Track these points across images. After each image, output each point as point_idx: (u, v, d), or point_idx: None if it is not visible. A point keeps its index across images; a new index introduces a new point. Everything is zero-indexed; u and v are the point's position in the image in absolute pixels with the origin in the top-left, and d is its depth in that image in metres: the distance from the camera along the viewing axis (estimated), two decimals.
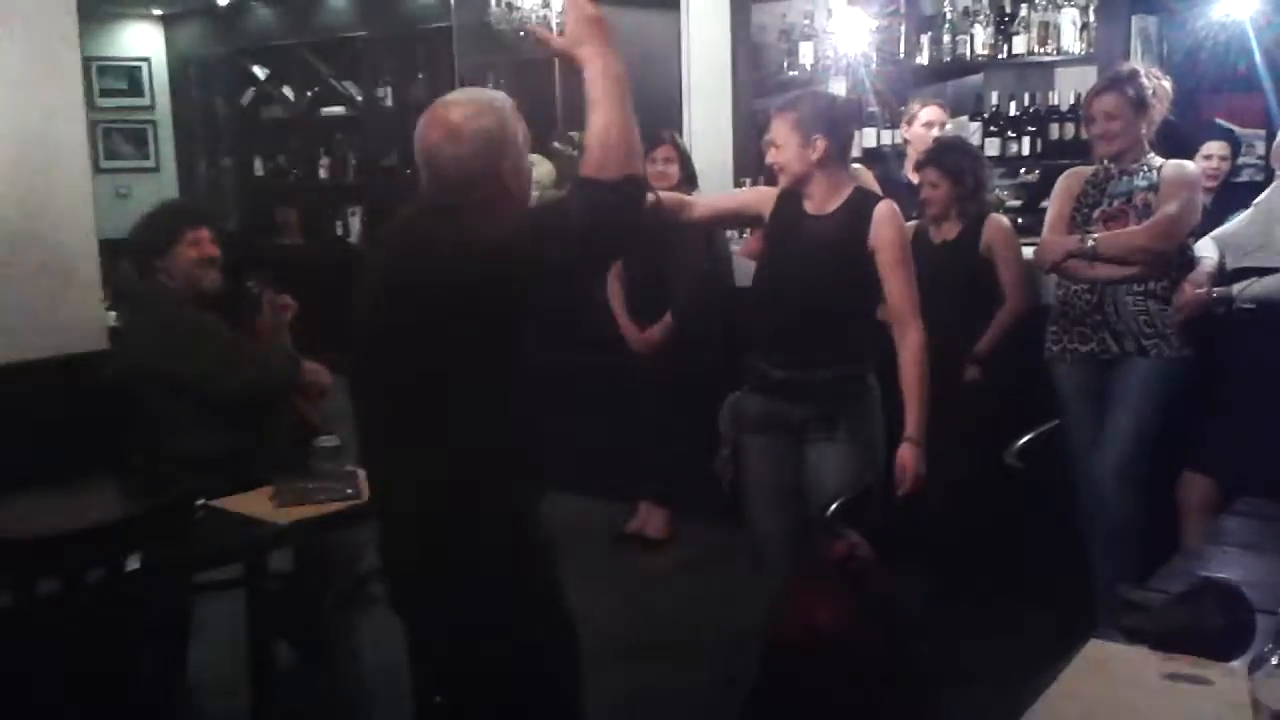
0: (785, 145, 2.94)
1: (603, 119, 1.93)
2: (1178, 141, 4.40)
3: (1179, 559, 2.36)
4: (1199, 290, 3.43)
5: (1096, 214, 3.54)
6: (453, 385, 1.98)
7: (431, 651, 2.20)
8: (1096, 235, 3.49)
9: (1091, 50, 4.97)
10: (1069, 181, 3.67)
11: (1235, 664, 1.81)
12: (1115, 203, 3.53)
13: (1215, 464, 3.42)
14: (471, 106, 2.05)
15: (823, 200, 2.99)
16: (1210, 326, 3.45)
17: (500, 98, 2.12)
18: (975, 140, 5.21)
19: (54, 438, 3.37)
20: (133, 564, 2.31)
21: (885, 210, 2.97)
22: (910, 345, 2.93)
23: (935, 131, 4.74)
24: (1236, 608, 1.91)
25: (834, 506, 1.98)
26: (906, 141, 4.89)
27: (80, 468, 3.20)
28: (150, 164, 8.95)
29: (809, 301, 2.91)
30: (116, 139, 8.75)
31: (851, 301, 2.97)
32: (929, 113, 4.79)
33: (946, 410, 3.72)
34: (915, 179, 4.22)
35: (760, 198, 3.14)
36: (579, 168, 1.97)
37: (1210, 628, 1.87)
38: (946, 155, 4.02)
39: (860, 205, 2.99)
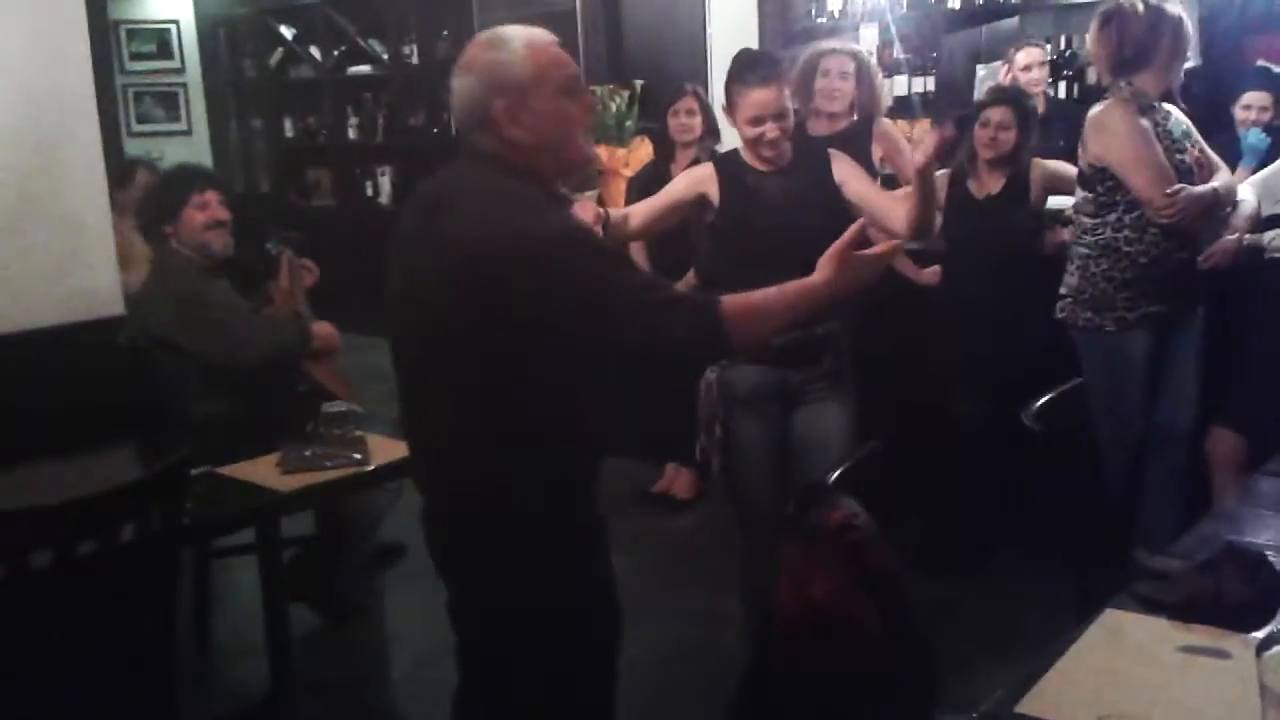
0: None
1: (779, 308, 1.97)
2: (1218, 85, 4.23)
3: (1206, 522, 2.26)
4: (1230, 236, 3.29)
5: (1190, 160, 3.26)
6: (461, 366, 1.85)
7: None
8: (1218, 185, 3.26)
9: None
10: (1141, 119, 3.22)
11: (1258, 635, 1.72)
12: (1193, 148, 3.30)
13: (1242, 418, 3.32)
14: (490, 38, 1.93)
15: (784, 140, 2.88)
16: (1233, 277, 3.33)
17: (530, 35, 1.93)
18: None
19: (68, 405, 3.36)
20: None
21: (838, 155, 2.98)
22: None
23: (1035, 74, 4.60)
24: (1260, 576, 1.82)
25: (836, 474, 1.89)
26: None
27: (97, 434, 3.19)
28: (182, 127, 8.93)
29: (803, 255, 2.80)
30: (148, 103, 8.73)
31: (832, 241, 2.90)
32: (1025, 55, 4.66)
33: (993, 365, 3.64)
34: None
35: (693, 182, 3.00)
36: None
37: (1231, 597, 1.79)
38: (1021, 97, 3.85)
39: (810, 151, 2.99)
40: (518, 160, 1.89)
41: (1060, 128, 4.42)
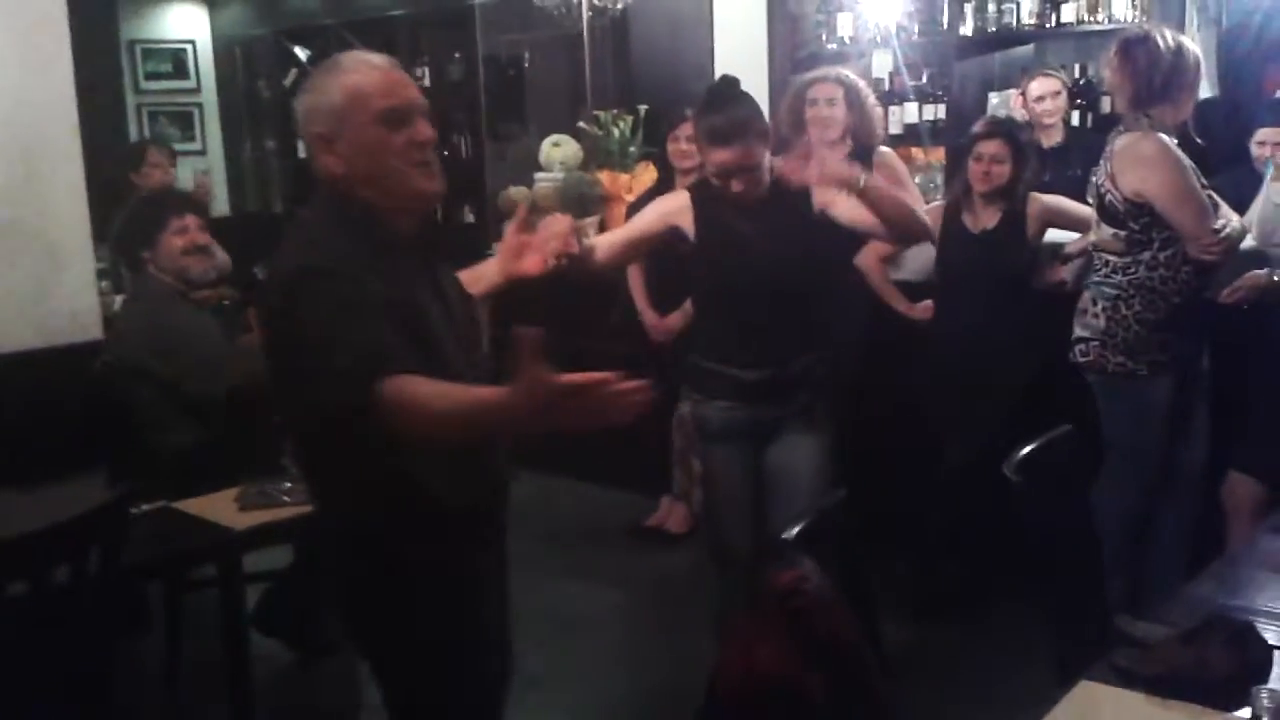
0: (763, 159, 2.70)
1: (453, 418, 1.67)
2: (1234, 117, 4.10)
3: (1199, 582, 2.12)
4: (1260, 272, 3.17)
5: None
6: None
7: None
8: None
9: (1144, 17, 4.67)
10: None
11: (1240, 715, 1.59)
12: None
13: (1259, 463, 3.18)
14: (325, 64, 1.88)
15: (752, 187, 2.76)
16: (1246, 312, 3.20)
17: (357, 61, 1.86)
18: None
19: (45, 431, 3.30)
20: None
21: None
22: None
23: (1049, 104, 4.51)
24: (1247, 648, 1.69)
25: (796, 529, 1.78)
26: (1025, 117, 4.63)
27: (68, 462, 3.12)
28: (197, 147, 8.88)
29: (777, 292, 2.73)
30: (162, 122, 8.69)
31: (814, 280, 2.81)
32: (1039, 85, 4.56)
33: (971, 409, 3.52)
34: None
35: (664, 213, 2.87)
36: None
37: (1214, 670, 1.65)
38: (1015, 129, 3.72)
39: (788, 184, 2.80)
40: (340, 191, 1.85)
41: (1079, 158, 4.27)
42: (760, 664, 1.57)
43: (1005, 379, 3.52)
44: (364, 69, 1.83)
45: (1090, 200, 3.28)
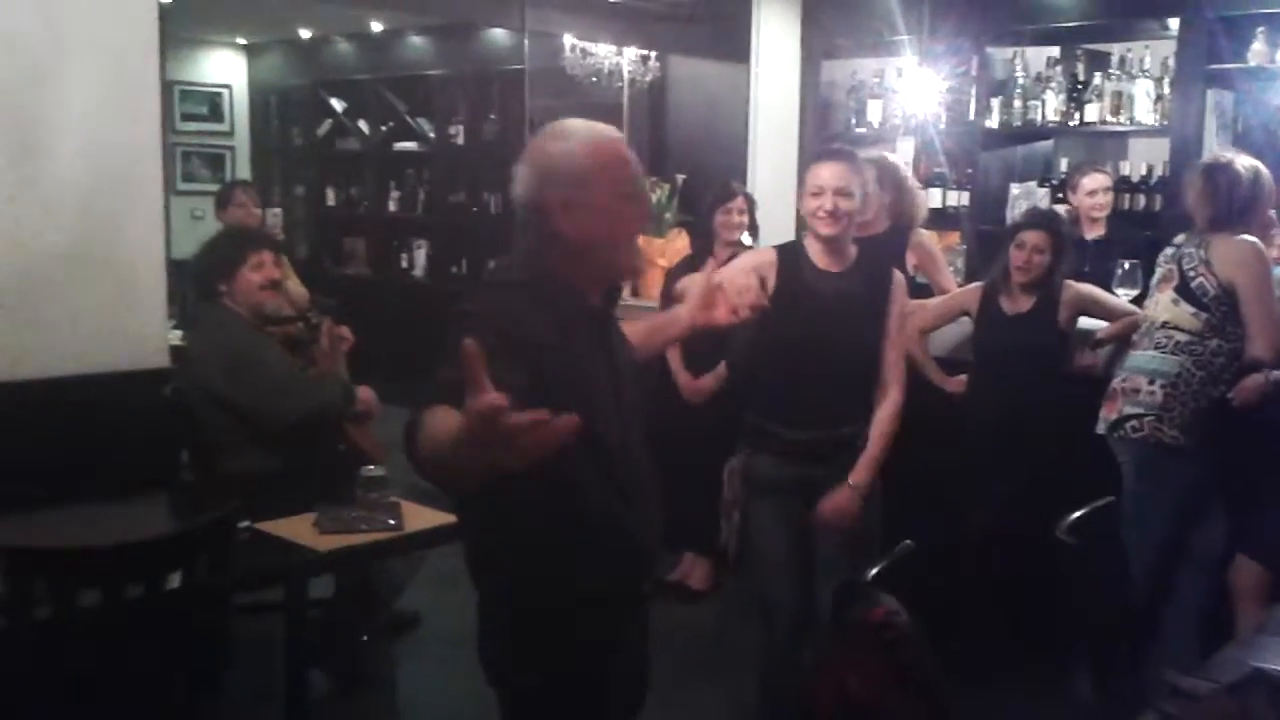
0: (857, 195, 2.88)
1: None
2: None
3: (1233, 647, 2.28)
4: (1257, 375, 3.38)
5: None
6: None
7: None
8: None
9: (1165, 122, 4.92)
10: None
11: None
12: None
13: (1266, 549, 3.35)
14: (555, 129, 1.92)
15: (837, 256, 2.95)
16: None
17: (590, 130, 1.91)
18: (1043, 206, 5.18)
19: (113, 451, 3.41)
20: (175, 582, 2.33)
21: (900, 279, 3.03)
22: (894, 402, 2.96)
23: (1100, 199, 4.70)
24: None
25: (874, 570, 1.94)
26: (1073, 208, 4.81)
27: (137, 482, 3.24)
28: None
29: (840, 358, 2.90)
30: (195, 162, 8.91)
31: (876, 353, 2.97)
32: (1091, 180, 4.73)
33: (1010, 475, 3.69)
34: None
35: (753, 266, 2.95)
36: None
37: None
38: (1058, 224, 3.91)
39: (874, 263, 3.02)
40: (559, 258, 1.88)
41: (1120, 250, 4.35)
42: (854, 693, 1.71)
43: (1029, 455, 3.69)
44: (605, 138, 1.92)
45: (1153, 283, 3.55)
